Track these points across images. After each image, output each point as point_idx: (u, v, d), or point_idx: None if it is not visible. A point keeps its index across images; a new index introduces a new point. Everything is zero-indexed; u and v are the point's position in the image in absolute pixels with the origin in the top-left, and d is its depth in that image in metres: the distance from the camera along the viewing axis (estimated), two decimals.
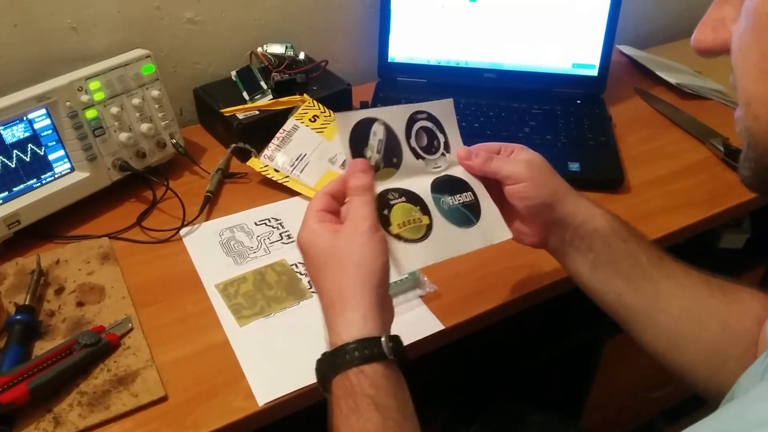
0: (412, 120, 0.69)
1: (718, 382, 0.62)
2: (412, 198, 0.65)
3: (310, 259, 0.59)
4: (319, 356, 0.57)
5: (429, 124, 0.70)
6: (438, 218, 0.66)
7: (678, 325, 0.65)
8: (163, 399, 0.68)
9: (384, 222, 0.62)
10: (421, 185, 0.67)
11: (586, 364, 1.13)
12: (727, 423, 0.40)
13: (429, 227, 0.65)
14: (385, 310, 0.57)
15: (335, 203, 0.62)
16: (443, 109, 0.72)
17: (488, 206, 0.69)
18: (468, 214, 0.68)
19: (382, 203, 0.63)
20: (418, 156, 0.68)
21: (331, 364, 0.54)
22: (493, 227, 0.69)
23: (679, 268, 0.67)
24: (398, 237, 0.62)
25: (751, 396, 0.40)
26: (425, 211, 0.65)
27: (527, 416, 0.95)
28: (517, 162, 0.68)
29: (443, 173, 0.69)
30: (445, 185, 0.69)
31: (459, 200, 0.68)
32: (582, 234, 0.68)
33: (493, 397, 0.99)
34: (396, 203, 0.64)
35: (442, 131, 0.71)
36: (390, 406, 0.52)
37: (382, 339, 0.54)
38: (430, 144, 0.70)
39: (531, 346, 1.04)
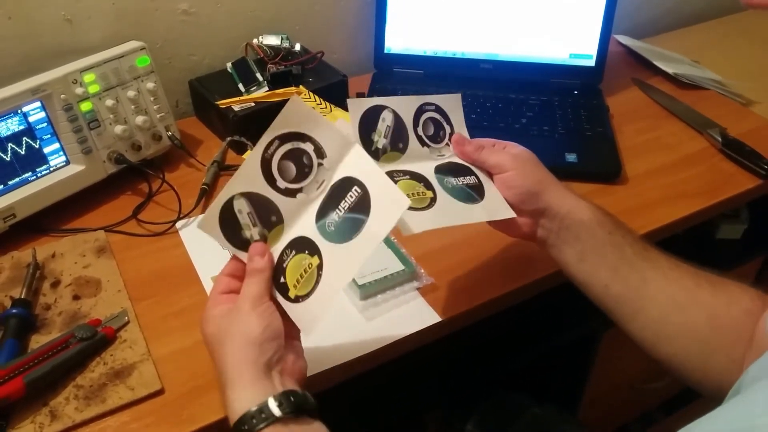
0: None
1: (707, 372, 0.63)
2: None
3: (206, 344, 0.61)
4: (315, 347, 0.58)
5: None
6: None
7: (665, 315, 0.65)
8: (160, 392, 0.68)
9: (283, 289, 0.61)
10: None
11: (583, 356, 1.13)
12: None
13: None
14: (278, 374, 0.57)
15: (236, 282, 0.62)
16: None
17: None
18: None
19: (278, 270, 0.62)
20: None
21: None
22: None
23: (665, 259, 0.67)
24: (296, 299, 0.61)
25: None
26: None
27: (525, 408, 0.96)
28: (505, 153, 0.72)
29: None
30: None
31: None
32: (568, 224, 0.69)
33: (491, 389, 0.99)
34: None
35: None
36: None
37: (269, 401, 0.54)
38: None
39: (528, 338, 1.03)
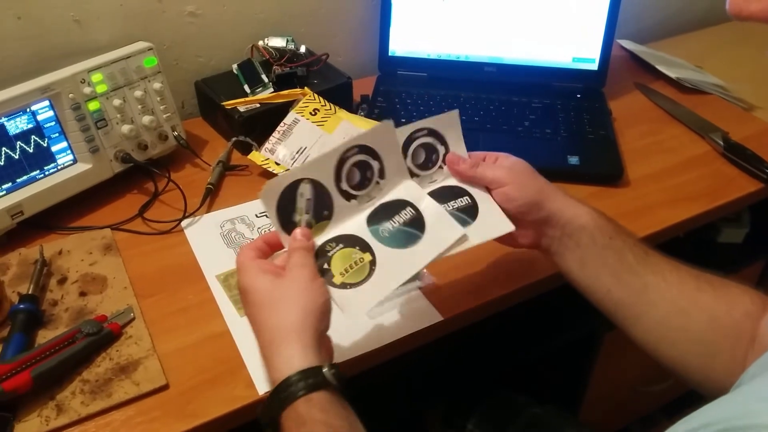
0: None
1: (709, 375, 0.63)
2: (350, 241, 0.67)
3: (252, 301, 0.61)
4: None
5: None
6: (380, 250, 0.67)
7: (666, 319, 0.66)
8: (165, 387, 0.69)
9: (326, 274, 0.64)
10: (355, 224, 0.68)
11: (584, 357, 1.13)
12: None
13: (373, 263, 0.66)
14: (323, 348, 0.59)
15: (270, 250, 0.65)
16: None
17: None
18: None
19: (320, 256, 0.65)
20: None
21: (276, 400, 0.55)
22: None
23: (666, 263, 0.68)
24: (344, 285, 0.64)
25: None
26: (365, 248, 0.67)
27: (526, 408, 0.96)
28: (500, 167, 0.72)
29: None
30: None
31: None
32: (569, 231, 0.70)
33: (492, 388, 1.00)
34: (334, 253, 0.65)
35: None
36: (342, 426, 0.54)
37: (324, 368, 0.56)
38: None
39: (530, 338, 1.04)
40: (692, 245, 1.21)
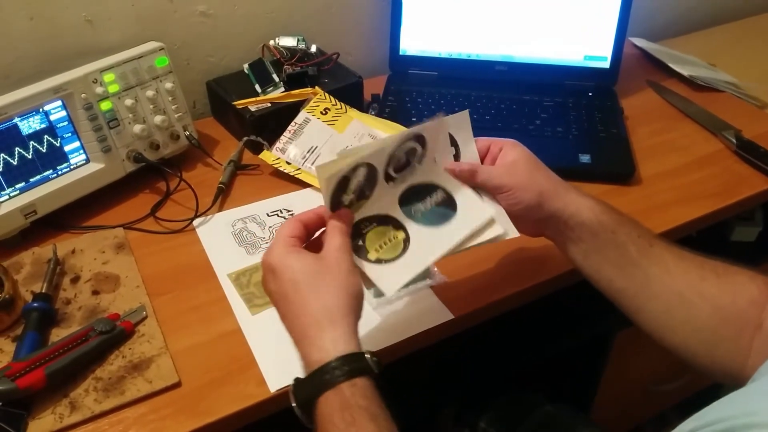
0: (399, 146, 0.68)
1: (713, 361, 0.64)
2: (383, 220, 0.68)
3: (289, 279, 0.60)
4: None
5: (414, 144, 0.69)
6: (414, 227, 0.68)
7: (668, 309, 0.66)
8: (177, 385, 0.69)
9: (361, 251, 0.65)
10: (389, 204, 0.69)
11: (597, 356, 1.13)
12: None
13: (406, 240, 0.67)
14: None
15: (306, 232, 0.64)
16: (437, 128, 0.70)
17: (464, 195, 0.71)
18: (445, 210, 0.70)
19: (355, 234, 0.65)
20: (389, 179, 0.69)
21: (317, 381, 0.55)
22: (474, 213, 0.71)
23: (670, 254, 0.67)
24: (378, 261, 0.65)
25: None
26: (399, 226, 0.68)
27: (538, 406, 0.96)
28: (502, 171, 0.70)
29: (406, 185, 0.71)
30: (412, 195, 0.70)
31: (431, 202, 0.71)
32: (571, 226, 0.70)
33: (504, 387, 1.00)
34: (368, 230, 0.67)
35: (424, 145, 0.70)
36: (381, 415, 0.54)
37: (367, 355, 0.56)
38: (406, 162, 0.70)
39: (542, 337, 1.04)
40: (704, 243, 1.20)
